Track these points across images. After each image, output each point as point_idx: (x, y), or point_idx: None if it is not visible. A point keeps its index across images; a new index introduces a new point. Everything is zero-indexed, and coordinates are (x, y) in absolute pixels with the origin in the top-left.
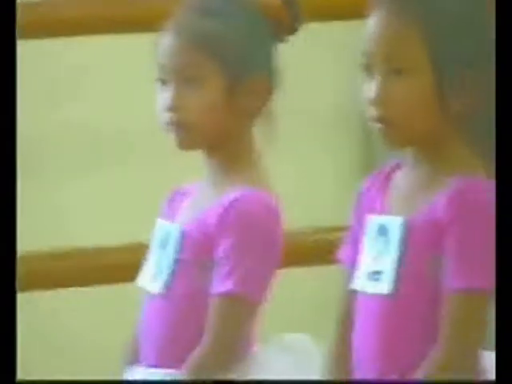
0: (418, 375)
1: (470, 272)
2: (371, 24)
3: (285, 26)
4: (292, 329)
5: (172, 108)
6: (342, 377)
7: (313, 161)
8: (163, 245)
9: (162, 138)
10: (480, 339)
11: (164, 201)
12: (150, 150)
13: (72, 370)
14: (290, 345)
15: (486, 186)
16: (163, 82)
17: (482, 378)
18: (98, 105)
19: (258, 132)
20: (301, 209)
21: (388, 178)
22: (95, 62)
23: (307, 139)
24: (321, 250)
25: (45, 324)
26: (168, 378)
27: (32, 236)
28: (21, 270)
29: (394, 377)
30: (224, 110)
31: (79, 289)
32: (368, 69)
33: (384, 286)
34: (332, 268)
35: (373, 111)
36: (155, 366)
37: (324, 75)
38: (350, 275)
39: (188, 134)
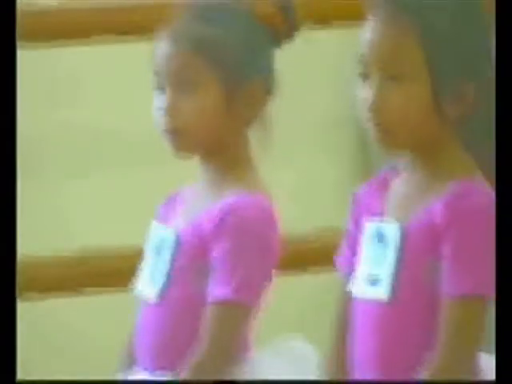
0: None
1: (468, 277)
2: (367, 30)
3: (282, 32)
4: (289, 333)
5: (169, 113)
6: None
7: (312, 165)
8: (158, 250)
9: (162, 140)
10: (477, 345)
11: (159, 205)
12: (149, 152)
13: (72, 370)
14: (286, 349)
15: (482, 191)
16: (160, 87)
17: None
18: (98, 106)
19: (254, 137)
20: (300, 213)
21: (385, 183)
22: (95, 64)
23: (306, 145)
24: (319, 254)
25: (45, 324)
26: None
27: (32, 236)
28: (20, 273)
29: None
30: (221, 115)
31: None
32: (365, 75)
33: (381, 292)
34: (330, 273)
35: (370, 117)
36: (150, 371)
37: (322, 81)
38: (347, 280)
39: (184, 139)
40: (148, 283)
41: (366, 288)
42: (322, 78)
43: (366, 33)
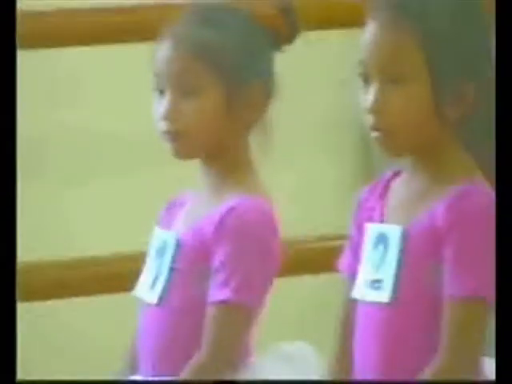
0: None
1: (470, 279)
2: (368, 33)
3: (282, 35)
4: (291, 337)
5: (169, 117)
6: None
7: (313, 167)
8: (160, 254)
9: (163, 142)
10: (480, 347)
11: (161, 210)
12: (150, 154)
13: (72, 370)
14: (288, 354)
15: (483, 193)
16: (160, 91)
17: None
18: (98, 108)
19: (254, 140)
20: (301, 217)
21: (387, 186)
22: (95, 65)
23: (307, 146)
24: (321, 258)
25: (45, 324)
26: None
27: (32, 239)
28: (20, 276)
29: None
30: (221, 119)
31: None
32: (365, 78)
33: (384, 295)
34: (332, 276)
35: (370, 120)
36: (152, 376)
37: (323, 83)
38: (350, 284)
39: (184, 143)
40: (149, 286)
41: (368, 291)
42: (323, 79)
43: (367, 35)
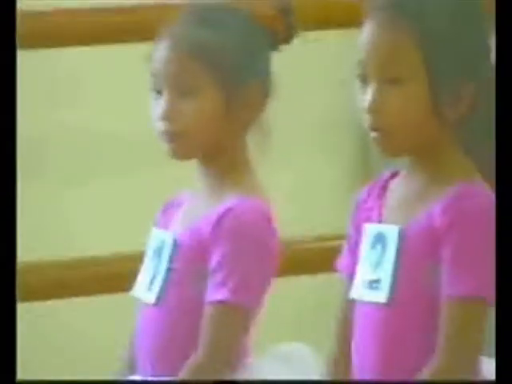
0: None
1: (467, 279)
2: (366, 33)
3: (280, 35)
4: (289, 338)
5: (166, 117)
6: None
7: (310, 167)
8: (157, 254)
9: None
10: (478, 347)
11: (158, 210)
12: (150, 153)
13: (72, 370)
14: (286, 355)
15: (482, 193)
16: (158, 91)
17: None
18: (98, 108)
19: (252, 140)
20: (299, 217)
21: (385, 186)
22: (95, 65)
23: (304, 146)
24: (319, 258)
25: (45, 324)
26: None
27: (31, 237)
28: (20, 279)
29: None
30: (219, 119)
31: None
32: (363, 78)
33: (382, 295)
34: (330, 277)
35: (368, 120)
36: (151, 376)
37: (320, 82)
38: (348, 284)
39: (182, 143)
40: (147, 287)
41: (365, 291)
42: (321, 79)
43: (364, 35)
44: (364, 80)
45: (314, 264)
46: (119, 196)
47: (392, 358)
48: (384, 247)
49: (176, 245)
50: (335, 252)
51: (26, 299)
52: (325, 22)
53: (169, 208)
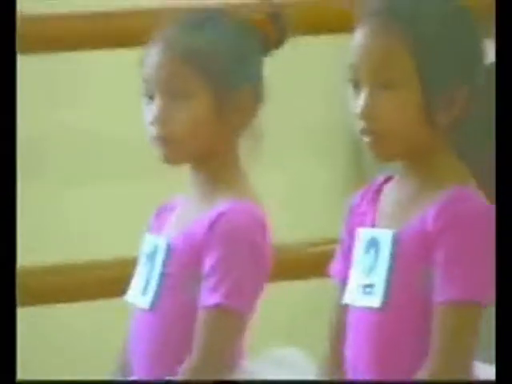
0: None
1: (460, 283)
2: (358, 37)
3: (271, 39)
4: (282, 343)
5: (158, 122)
6: None
7: (304, 173)
8: (151, 259)
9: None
10: (471, 351)
11: (151, 215)
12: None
13: (72, 369)
14: (280, 359)
15: (475, 198)
16: (150, 96)
17: None
18: (98, 110)
19: (245, 145)
20: (292, 221)
21: (378, 191)
22: (96, 67)
23: (298, 150)
24: (312, 263)
25: (45, 324)
26: None
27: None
28: (20, 282)
29: None
30: (211, 124)
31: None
32: (355, 83)
33: (375, 299)
34: (323, 282)
35: (361, 125)
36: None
37: (314, 87)
38: (341, 289)
39: (174, 148)
40: (141, 292)
41: (359, 295)
42: (313, 84)
43: (357, 40)
44: (356, 85)
45: (307, 269)
46: (119, 198)
47: (386, 362)
48: (377, 252)
49: (169, 249)
50: (328, 257)
51: (26, 303)
52: (317, 27)
53: (162, 212)
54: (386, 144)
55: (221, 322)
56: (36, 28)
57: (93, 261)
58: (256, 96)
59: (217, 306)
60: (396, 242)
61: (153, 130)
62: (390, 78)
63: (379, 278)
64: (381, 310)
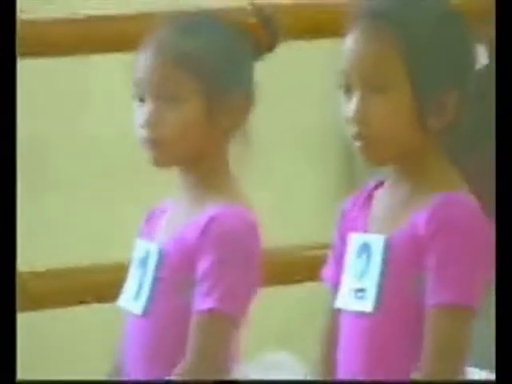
0: None
1: (451, 288)
2: (350, 42)
3: (263, 43)
4: (275, 347)
5: (148, 125)
6: None
7: (296, 178)
8: (143, 264)
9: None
10: (463, 355)
11: (142, 220)
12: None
13: (72, 370)
14: (273, 363)
15: (466, 202)
16: (141, 98)
17: None
18: (99, 112)
19: (235, 149)
20: (284, 226)
21: (370, 196)
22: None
23: (290, 157)
24: (305, 267)
25: (45, 324)
26: None
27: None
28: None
29: None
30: (202, 127)
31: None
32: (347, 87)
33: (367, 304)
34: (316, 286)
35: (352, 129)
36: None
37: (306, 92)
38: (333, 294)
39: (164, 151)
40: (133, 297)
41: (351, 300)
42: (306, 88)
43: (348, 45)
44: (348, 89)
45: (299, 274)
46: (119, 199)
47: (378, 366)
48: (369, 257)
49: (161, 255)
50: (320, 261)
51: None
52: (308, 31)
53: (152, 217)
54: (378, 148)
55: (214, 327)
56: (35, 32)
57: (93, 265)
58: (247, 99)
59: (210, 310)
60: (388, 246)
61: (143, 133)
62: (382, 82)
63: (371, 282)
64: (373, 314)
